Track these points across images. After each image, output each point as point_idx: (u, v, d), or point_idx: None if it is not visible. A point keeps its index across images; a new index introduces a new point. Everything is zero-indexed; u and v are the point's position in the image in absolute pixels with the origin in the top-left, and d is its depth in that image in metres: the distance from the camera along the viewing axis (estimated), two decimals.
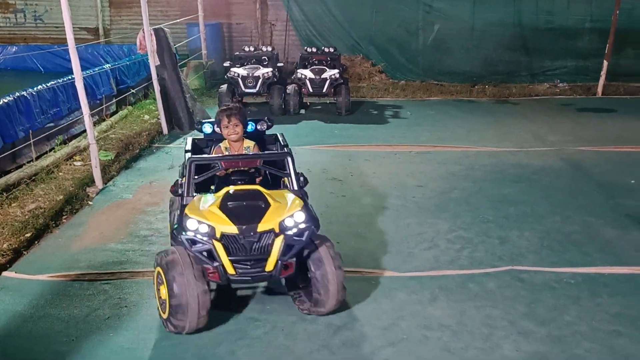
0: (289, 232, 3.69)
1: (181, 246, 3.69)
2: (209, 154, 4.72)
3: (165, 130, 8.35)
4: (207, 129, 4.71)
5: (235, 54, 9.90)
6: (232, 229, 3.65)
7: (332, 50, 9.88)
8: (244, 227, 3.65)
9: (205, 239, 3.63)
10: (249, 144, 4.58)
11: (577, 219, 5.56)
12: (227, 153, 4.47)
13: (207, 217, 3.70)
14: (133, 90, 9.60)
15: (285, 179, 4.21)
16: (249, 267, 3.66)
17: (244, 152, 4.49)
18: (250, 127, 4.70)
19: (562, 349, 3.61)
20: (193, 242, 3.64)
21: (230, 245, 3.66)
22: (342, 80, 9.18)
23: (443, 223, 5.43)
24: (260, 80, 8.99)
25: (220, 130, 4.50)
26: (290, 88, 9.21)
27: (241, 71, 9.11)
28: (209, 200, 3.88)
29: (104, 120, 8.56)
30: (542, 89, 11.29)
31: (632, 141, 7.96)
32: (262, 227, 3.67)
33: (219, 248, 3.62)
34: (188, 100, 8.60)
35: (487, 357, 3.56)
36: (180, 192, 3.95)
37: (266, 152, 4.69)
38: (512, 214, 5.68)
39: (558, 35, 11.71)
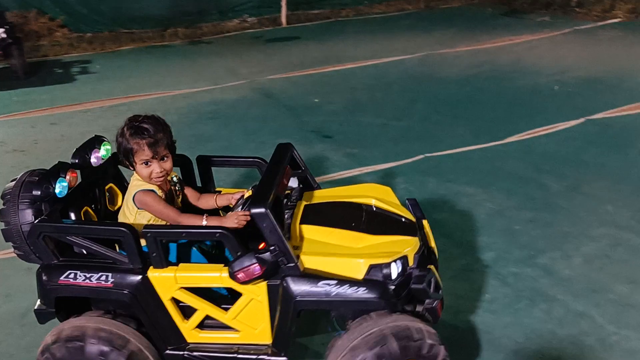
0: None
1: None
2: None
3: None
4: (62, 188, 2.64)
5: None
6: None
7: None
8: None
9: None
10: (172, 174, 2.86)
11: (270, 143, 5.77)
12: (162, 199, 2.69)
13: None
14: None
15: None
16: None
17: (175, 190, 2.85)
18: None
19: None
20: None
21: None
22: (11, 40, 8.14)
23: None
24: None
25: (132, 166, 2.67)
26: None
27: None
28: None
29: None
30: (233, 25, 11.51)
31: (313, 64, 8.60)
32: None
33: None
34: None
35: None
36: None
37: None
38: (210, 150, 5.70)
39: None
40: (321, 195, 2.92)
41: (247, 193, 2.69)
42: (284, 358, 2.46)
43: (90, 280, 2.45)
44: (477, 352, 3.00)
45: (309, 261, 2.40)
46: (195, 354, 2.53)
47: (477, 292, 3.45)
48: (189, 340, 2.56)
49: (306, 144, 5.76)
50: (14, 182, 2.57)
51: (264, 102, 7.13)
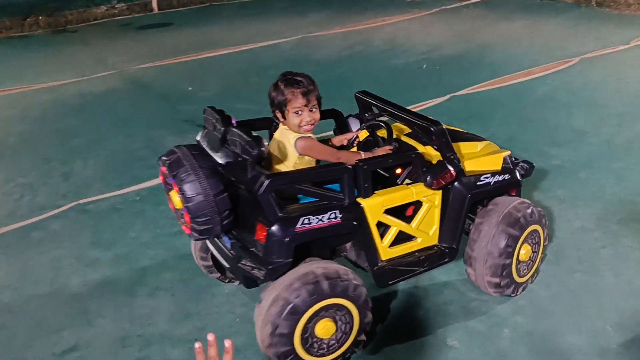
0: None
1: None
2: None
3: None
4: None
5: None
6: None
7: None
8: None
9: None
10: None
11: (141, 135, 5.63)
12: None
13: None
14: None
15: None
16: None
17: None
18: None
19: (129, 266, 3.65)
20: None
21: None
22: None
23: None
24: None
25: (283, 116, 2.83)
26: None
27: None
28: None
29: None
30: (100, 12, 10.93)
31: (187, 50, 8.36)
32: None
33: None
34: None
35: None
36: None
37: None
38: (76, 146, 5.44)
39: None
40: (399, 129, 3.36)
41: (362, 134, 3.21)
42: (454, 247, 3.05)
43: (322, 221, 2.62)
44: None
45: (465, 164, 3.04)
46: (389, 267, 2.91)
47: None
48: (383, 258, 2.91)
49: (180, 134, 5.59)
50: (181, 157, 2.56)
51: (135, 92, 6.85)
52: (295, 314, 2.54)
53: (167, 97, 6.65)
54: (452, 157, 2.94)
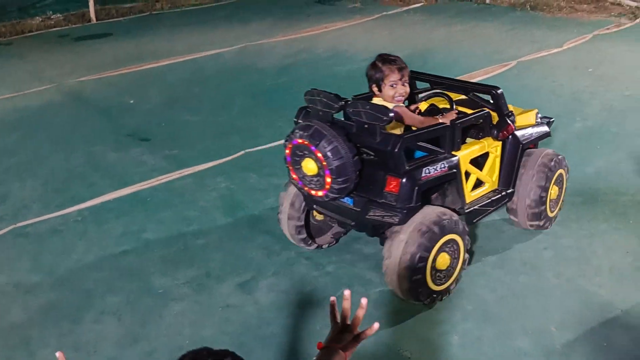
0: None
1: None
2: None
3: None
4: None
5: None
6: None
7: None
8: None
9: None
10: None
11: (81, 151, 5.48)
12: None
13: None
14: None
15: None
16: None
17: None
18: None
19: (72, 290, 3.53)
20: None
21: None
22: None
23: None
24: None
25: (379, 90, 3.41)
26: None
27: None
28: None
29: None
30: (35, 23, 10.56)
31: (128, 62, 8.18)
32: None
33: None
34: None
35: None
36: None
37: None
38: (13, 165, 5.25)
39: None
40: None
41: (422, 105, 3.79)
42: (511, 190, 3.73)
43: (437, 170, 3.22)
44: (298, 347, 3.06)
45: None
46: (472, 208, 3.53)
47: (299, 285, 3.52)
48: (467, 201, 3.51)
49: (122, 149, 5.48)
50: (319, 128, 3.04)
51: (74, 106, 6.66)
52: (427, 250, 3.13)
53: (107, 111, 6.50)
54: (510, 114, 3.60)
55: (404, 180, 3.08)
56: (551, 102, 6.26)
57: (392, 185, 3.13)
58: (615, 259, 3.68)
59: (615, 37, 8.73)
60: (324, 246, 3.84)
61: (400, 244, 3.11)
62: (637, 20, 9.61)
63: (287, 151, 3.23)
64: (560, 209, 4.03)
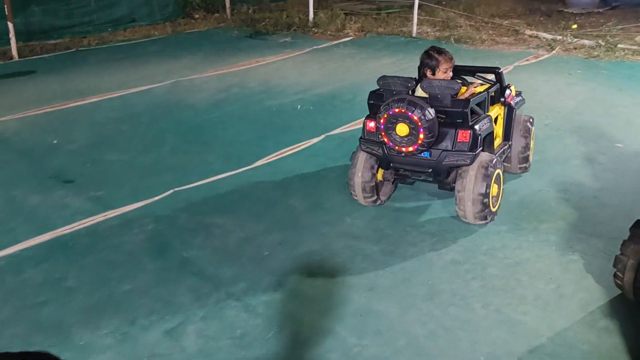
0: None
1: None
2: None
3: None
4: None
5: None
6: None
7: None
8: None
9: None
10: None
11: (0, 195, 5.23)
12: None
13: None
14: None
15: None
16: None
17: None
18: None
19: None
20: None
21: None
22: None
23: None
24: None
25: (433, 74, 4.63)
26: None
27: None
28: None
29: None
30: None
31: (52, 100, 7.94)
32: None
33: None
34: None
35: None
36: None
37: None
38: None
39: None
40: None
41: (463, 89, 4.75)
42: (511, 142, 5.07)
43: (485, 124, 4.40)
44: None
45: None
46: (497, 154, 4.67)
47: (229, 329, 3.43)
48: (494, 149, 4.72)
49: (44, 192, 5.26)
50: (412, 99, 4.15)
51: None
52: (489, 180, 4.26)
53: (29, 152, 6.25)
54: (509, 85, 4.97)
55: (472, 131, 4.19)
56: None
57: (463, 136, 4.20)
58: (539, 286, 3.78)
59: (535, 68, 9.16)
60: (384, 200, 4.88)
61: (472, 179, 4.22)
62: (553, 52, 10.12)
63: (382, 120, 4.20)
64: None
